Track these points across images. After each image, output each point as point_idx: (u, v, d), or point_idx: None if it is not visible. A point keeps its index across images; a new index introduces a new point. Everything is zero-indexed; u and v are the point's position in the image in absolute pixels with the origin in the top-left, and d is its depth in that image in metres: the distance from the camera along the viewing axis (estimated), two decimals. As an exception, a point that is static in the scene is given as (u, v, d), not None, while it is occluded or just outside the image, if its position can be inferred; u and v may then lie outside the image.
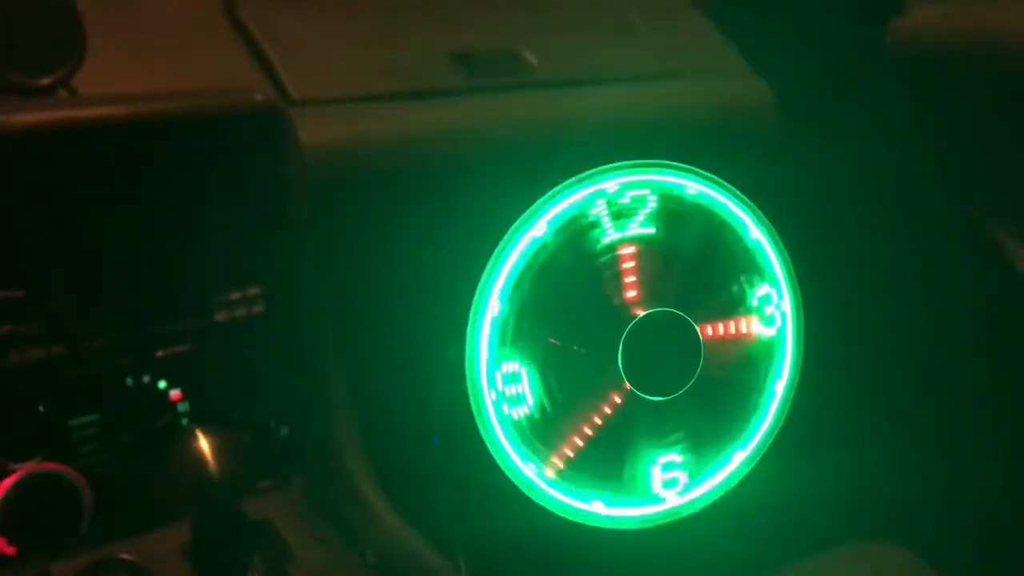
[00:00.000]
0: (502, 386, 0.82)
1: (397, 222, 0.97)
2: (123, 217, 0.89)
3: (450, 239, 0.92)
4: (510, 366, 0.82)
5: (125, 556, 0.84)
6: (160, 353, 0.91)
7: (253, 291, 0.95)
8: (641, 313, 0.80)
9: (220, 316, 0.94)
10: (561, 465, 0.84)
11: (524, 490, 0.83)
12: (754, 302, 0.86)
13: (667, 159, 0.86)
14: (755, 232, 0.86)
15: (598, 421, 0.83)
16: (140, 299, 0.90)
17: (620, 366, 0.80)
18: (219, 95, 0.92)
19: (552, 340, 0.82)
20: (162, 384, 0.92)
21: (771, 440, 0.88)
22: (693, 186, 0.84)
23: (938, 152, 1.08)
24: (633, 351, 0.80)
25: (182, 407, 0.92)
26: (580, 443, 0.84)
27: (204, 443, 0.79)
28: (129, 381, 0.90)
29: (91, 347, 0.88)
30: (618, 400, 0.82)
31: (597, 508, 0.85)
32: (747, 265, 0.86)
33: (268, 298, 0.95)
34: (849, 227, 1.12)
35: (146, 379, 0.91)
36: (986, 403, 1.03)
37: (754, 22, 1.14)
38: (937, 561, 0.94)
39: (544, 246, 0.81)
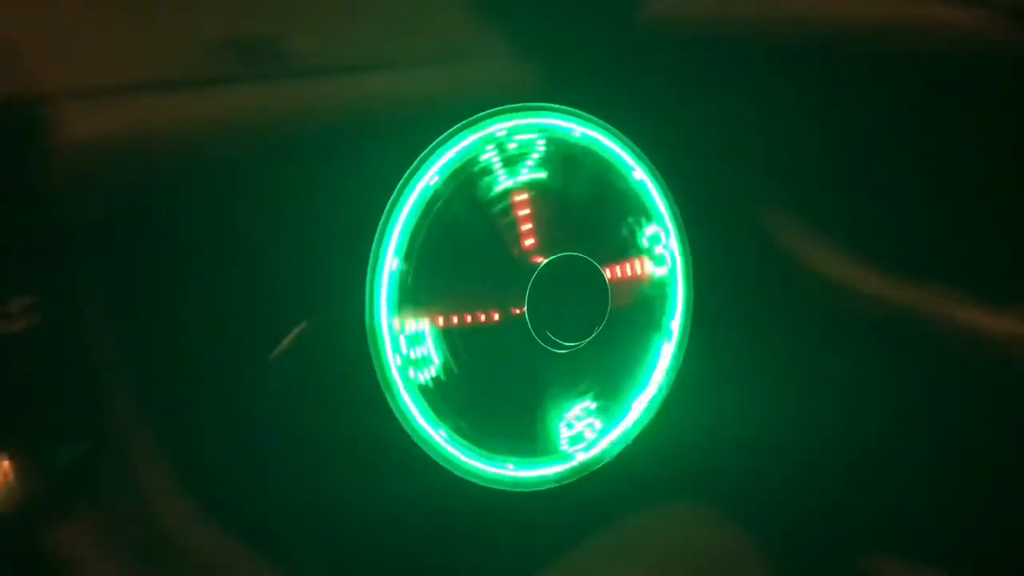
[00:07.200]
0: (406, 349, 0.76)
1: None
2: None
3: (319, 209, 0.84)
4: (413, 326, 0.77)
5: None
6: None
7: (26, 301, 0.79)
8: (543, 260, 0.78)
9: None
10: (471, 428, 0.80)
11: (439, 460, 0.78)
12: (644, 242, 0.87)
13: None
14: (639, 173, 0.86)
15: (508, 378, 0.80)
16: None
17: (527, 318, 0.78)
18: None
19: (454, 298, 0.78)
20: None
21: (671, 384, 0.88)
22: (579, 129, 0.84)
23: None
24: (539, 301, 0.78)
25: None
26: (491, 404, 0.80)
27: None
28: None
29: None
30: (527, 353, 0.79)
31: (511, 471, 0.82)
32: (634, 206, 0.87)
33: (45, 308, 0.81)
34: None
35: None
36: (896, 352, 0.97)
37: (523, 6, 1.13)
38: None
39: (437, 195, 0.78)
